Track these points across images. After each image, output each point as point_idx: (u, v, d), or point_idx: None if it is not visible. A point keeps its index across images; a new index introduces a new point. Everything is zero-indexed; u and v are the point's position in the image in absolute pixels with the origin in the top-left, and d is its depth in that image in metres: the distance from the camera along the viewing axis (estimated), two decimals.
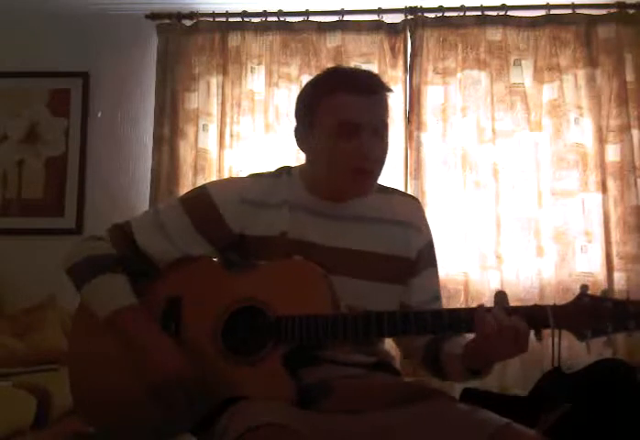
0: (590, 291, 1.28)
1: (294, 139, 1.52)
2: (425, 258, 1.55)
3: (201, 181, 3.21)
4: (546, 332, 1.28)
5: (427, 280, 1.56)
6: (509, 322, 1.23)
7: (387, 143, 1.47)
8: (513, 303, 1.31)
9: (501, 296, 1.30)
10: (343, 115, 1.40)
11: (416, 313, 1.34)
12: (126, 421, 1.43)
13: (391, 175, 3.26)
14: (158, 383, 1.35)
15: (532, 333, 1.26)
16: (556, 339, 1.29)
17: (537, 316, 1.26)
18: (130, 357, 1.40)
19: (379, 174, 1.48)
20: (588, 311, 1.25)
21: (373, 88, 1.43)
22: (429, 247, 1.57)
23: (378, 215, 1.51)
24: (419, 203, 1.64)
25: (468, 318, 1.27)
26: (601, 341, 1.27)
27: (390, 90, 1.46)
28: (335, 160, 1.42)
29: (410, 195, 1.70)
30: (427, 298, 1.53)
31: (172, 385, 1.34)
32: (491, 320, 1.23)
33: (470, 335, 1.31)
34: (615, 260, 3.16)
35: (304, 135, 1.48)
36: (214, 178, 3.28)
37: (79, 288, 1.45)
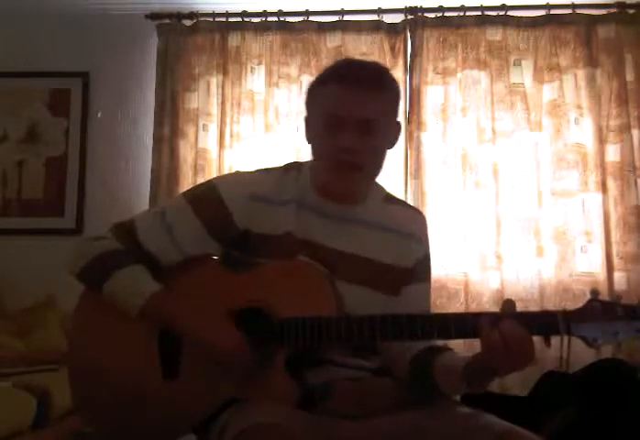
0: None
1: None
2: (421, 269, 1.52)
3: (201, 181, 3.20)
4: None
5: (419, 293, 1.52)
6: (516, 336, 1.17)
7: (379, 140, 1.40)
8: None
9: (509, 305, 1.24)
10: (327, 106, 1.38)
11: (422, 317, 1.30)
12: (127, 421, 1.41)
13: (391, 175, 3.26)
14: (221, 358, 1.34)
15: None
16: (565, 345, 1.23)
17: (546, 323, 1.21)
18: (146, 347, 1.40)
19: (369, 173, 1.43)
20: (599, 317, 1.21)
21: (365, 82, 1.36)
22: (426, 259, 1.54)
23: (383, 224, 1.48)
24: (424, 217, 1.60)
25: (474, 324, 1.22)
26: (610, 346, 1.23)
27: (385, 88, 1.40)
28: (320, 153, 1.42)
29: (415, 208, 1.66)
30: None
31: (233, 357, 1.33)
32: (496, 336, 1.17)
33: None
34: (615, 260, 3.15)
35: (305, 125, 1.48)
36: None
37: (96, 288, 1.41)
